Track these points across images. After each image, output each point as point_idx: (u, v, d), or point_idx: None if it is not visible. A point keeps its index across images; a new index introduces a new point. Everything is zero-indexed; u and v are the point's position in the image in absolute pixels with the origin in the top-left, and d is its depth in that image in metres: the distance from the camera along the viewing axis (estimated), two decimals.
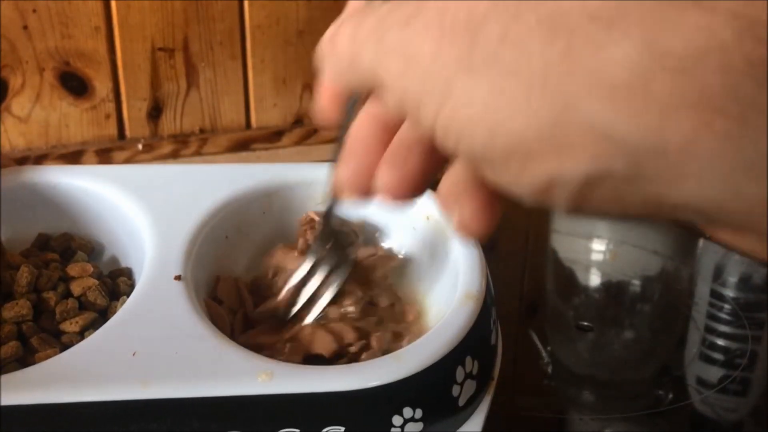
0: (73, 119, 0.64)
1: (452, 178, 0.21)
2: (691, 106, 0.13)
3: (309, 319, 0.33)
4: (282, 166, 0.37)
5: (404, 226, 0.36)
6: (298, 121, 0.74)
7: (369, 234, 0.37)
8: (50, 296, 0.34)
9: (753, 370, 0.44)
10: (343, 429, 0.27)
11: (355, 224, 0.37)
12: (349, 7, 0.23)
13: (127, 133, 0.67)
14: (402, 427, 0.28)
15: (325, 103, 0.24)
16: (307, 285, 0.33)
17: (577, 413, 0.41)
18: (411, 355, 0.29)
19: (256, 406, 0.27)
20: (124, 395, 0.27)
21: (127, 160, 0.66)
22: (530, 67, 0.15)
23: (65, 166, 0.38)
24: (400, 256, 0.37)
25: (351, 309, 0.33)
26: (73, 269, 0.35)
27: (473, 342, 0.30)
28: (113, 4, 0.63)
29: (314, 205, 0.37)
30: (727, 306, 0.52)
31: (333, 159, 0.25)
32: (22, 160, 0.63)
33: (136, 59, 0.65)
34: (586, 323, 0.49)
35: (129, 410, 0.26)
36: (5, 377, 0.26)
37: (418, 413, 0.28)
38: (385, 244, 0.37)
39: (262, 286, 0.35)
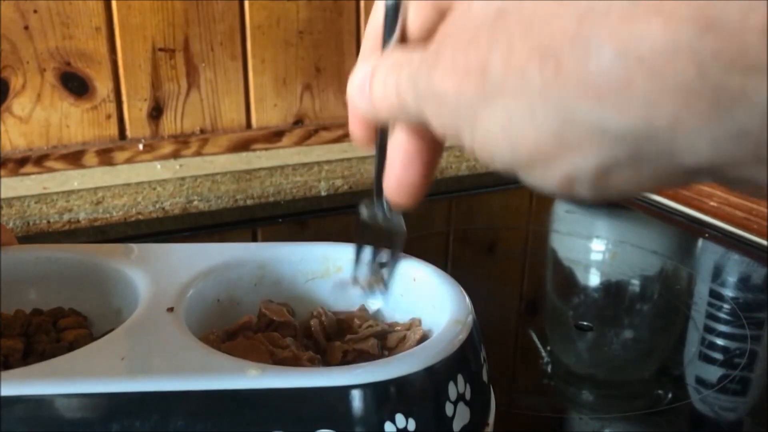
0: (73, 119, 0.65)
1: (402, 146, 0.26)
2: (670, 95, 0.16)
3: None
4: (276, 245, 0.38)
5: (391, 293, 0.37)
6: (299, 121, 0.74)
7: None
8: (41, 339, 0.33)
9: (752, 370, 0.44)
10: None
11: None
12: (365, 52, 0.27)
13: (128, 133, 0.67)
14: None
15: (359, 131, 0.29)
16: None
17: (576, 413, 0.42)
18: (402, 359, 0.29)
19: (244, 403, 0.27)
20: (106, 388, 0.26)
21: (128, 161, 0.67)
22: (531, 89, 0.18)
23: (53, 245, 0.39)
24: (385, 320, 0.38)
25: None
26: (65, 321, 0.35)
27: (464, 362, 0.30)
28: (114, 4, 0.63)
29: (304, 281, 0.38)
30: (726, 306, 0.52)
31: (372, 174, 0.30)
32: (23, 160, 0.63)
33: (136, 59, 0.65)
34: (585, 323, 0.50)
35: (113, 405, 0.26)
36: (4, 372, 0.27)
37: (411, 424, 0.28)
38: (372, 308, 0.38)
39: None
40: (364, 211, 0.33)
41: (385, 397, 0.27)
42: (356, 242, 0.35)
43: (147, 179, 0.64)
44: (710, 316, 0.51)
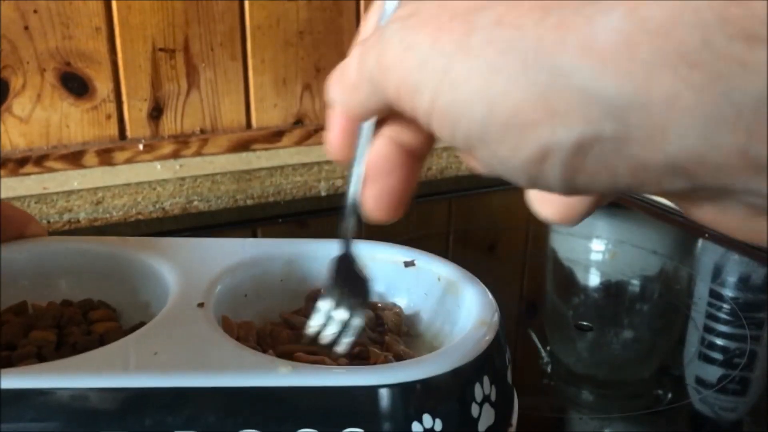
0: (73, 119, 0.65)
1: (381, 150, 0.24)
2: (671, 64, 0.15)
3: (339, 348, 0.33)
4: (301, 241, 0.38)
5: (416, 292, 0.37)
6: (299, 121, 0.74)
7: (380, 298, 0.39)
8: (72, 331, 0.34)
9: (752, 370, 0.44)
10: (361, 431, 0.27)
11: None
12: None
13: (128, 133, 0.67)
14: None
15: (336, 138, 0.26)
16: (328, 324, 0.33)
17: (576, 412, 0.42)
18: (430, 360, 0.29)
19: (274, 401, 0.27)
20: (141, 383, 0.27)
21: (128, 161, 0.67)
22: (525, 42, 0.17)
23: (87, 237, 0.39)
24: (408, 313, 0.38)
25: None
26: (96, 314, 0.35)
27: (490, 364, 0.30)
28: (114, 4, 0.63)
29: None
30: (726, 306, 0.52)
31: (346, 190, 0.27)
32: (23, 161, 0.63)
33: (136, 60, 0.65)
34: (585, 323, 0.50)
35: (146, 400, 0.27)
36: (40, 366, 0.28)
37: (438, 424, 0.28)
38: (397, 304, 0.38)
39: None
40: (333, 266, 0.31)
41: (413, 398, 0.28)
42: (322, 291, 0.32)
43: (147, 179, 0.64)
44: (710, 316, 0.51)
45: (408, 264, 0.38)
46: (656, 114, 0.15)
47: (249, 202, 0.69)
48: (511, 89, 0.17)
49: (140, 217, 0.64)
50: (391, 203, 0.24)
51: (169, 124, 0.68)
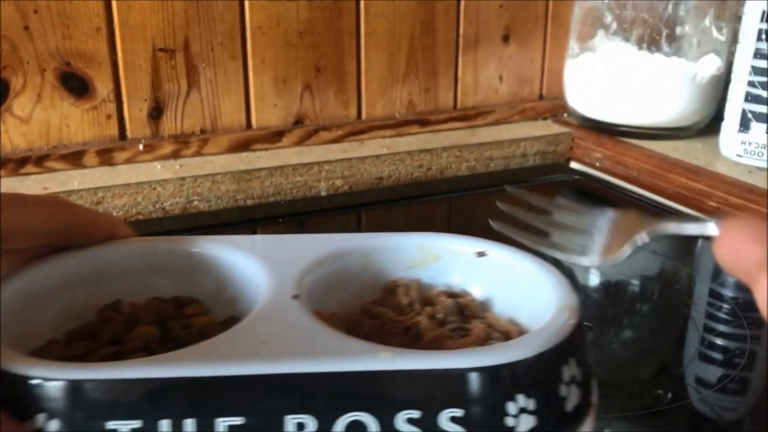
0: (74, 119, 0.65)
1: None
2: None
3: None
4: (376, 235, 0.40)
5: (490, 281, 0.38)
6: (299, 121, 0.74)
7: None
8: (173, 325, 0.35)
9: (752, 370, 0.44)
10: (462, 412, 0.28)
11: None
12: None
13: (128, 133, 0.67)
14: (517, 416, 0.29)
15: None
16: None
17: None
18: (522, 342, 0.30)
19: (378, 384, 0.28)
20: (254, 370, 0.28)
21: (128, 161, 0.67)
22: None
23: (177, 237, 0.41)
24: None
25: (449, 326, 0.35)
26: (191, 309, 0.36)
27: (575, 346, 0.31)
28: (114, 4, 0.63)
29: (404, 269, 0.39)
30: (726, 306, 0.52)
31: None
32: (24, 161, 0.63)
33: (137, 60, 0.65)
34: (585, 323, 0.50)
35: (260, 386, 0.28)
36: (153, 358, 0.29)
37: (531, 404, 0.29)
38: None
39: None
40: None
41: (508, 379, 0.29)
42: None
43: (147, 179, 0.64)
44: (710, 316, 0.51)
45: (480, 254, 0.38)
46: None
47: (249, 202, 0.69)
48: None
49: (140, 217, 0.64)
50: None
51: (169, 124, 0.68)
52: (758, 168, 0.68)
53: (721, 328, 0.49)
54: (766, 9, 0.65)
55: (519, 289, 0.37)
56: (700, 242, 0.65)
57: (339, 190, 0.72)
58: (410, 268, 0.39)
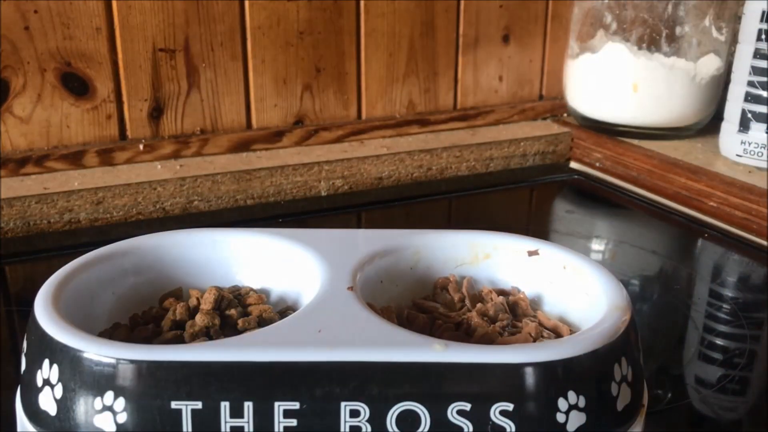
0: (74, 120, 0.65)
1: None
2: None
3: None
4: (427, 232, 0.41)
5: (541, 280, 0.39)
6: (299, 121, 0.74)
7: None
8: (233, 313, 0.36)
9: (752, 370, 0.45)
10: (512, 406, 0.28)
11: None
12: None
13: (129, 133, 0.67)
14: (567, 413, 0.29)
15: None
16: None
17: None
18: (575, 339, 0.31)
19: (430, 375, 0.28)
20: (311, 357, 0.29)
21: (128, 161, 0.67)
22: None
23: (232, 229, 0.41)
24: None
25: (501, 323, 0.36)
26: (248, 298, 0.38)
27: (627, 346, 0.32)
28: (114, 4, 0.63)
29: (454, 267, 0.40)
30: (725, 306, 0.52)
31: None
32: (24, 161, 0.63)
33: (137, 60, 0.65)
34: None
35: (317, 372, 0.28)
36: (214, 342, 0.30)
37: (582, 401, 0.29)
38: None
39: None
40: None
41: (560, 375, 0.29)
42: None
43: (147, 179, 0.64)
44: (710, 316, 0.51)
45: (532, 253, 0.39)
46: None
47: (249, 202, 0.69)
48: None
49: (140, 217, 0.64)
50: None
51: (169, 124, 0.69)
52: (758, 168, 0.68)
53: (721, 328, 0.49)
54: (766, 9, 0.65)
55: (569, 288, 0.37)
56: (700, 242, 0.65)
57: (339, 190, 0.72)
58: (461, 266, 0.40)
